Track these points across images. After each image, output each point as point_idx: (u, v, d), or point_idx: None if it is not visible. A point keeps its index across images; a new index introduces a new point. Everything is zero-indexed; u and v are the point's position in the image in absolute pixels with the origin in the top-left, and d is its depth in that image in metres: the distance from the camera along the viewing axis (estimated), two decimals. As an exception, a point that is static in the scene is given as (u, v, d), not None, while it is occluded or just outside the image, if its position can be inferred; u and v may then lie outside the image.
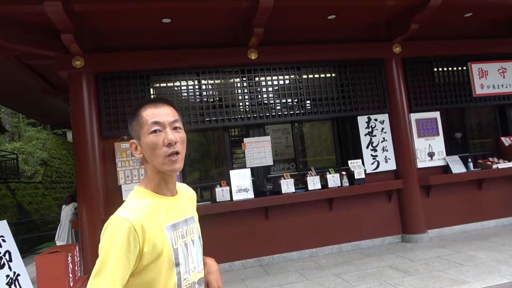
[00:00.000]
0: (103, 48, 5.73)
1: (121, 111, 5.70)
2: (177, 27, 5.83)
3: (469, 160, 6.97)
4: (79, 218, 5.41)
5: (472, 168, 6.90)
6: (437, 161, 6.84)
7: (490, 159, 7.22)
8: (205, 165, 7.59)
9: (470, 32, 7.26)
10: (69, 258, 3.61)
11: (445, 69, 7.17)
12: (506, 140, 7.31)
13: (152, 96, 5.91)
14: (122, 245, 1.13)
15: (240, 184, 5.87)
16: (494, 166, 6.87)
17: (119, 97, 5.73)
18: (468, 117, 7.53)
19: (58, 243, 6.00)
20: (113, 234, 1.14)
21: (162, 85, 5.99)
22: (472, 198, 7.00)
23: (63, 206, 6.27)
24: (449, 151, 7.07)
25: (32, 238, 11.01)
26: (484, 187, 7.02)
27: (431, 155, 6.81)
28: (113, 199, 5.57)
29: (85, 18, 5.23)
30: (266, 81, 6.31)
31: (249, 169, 6.07)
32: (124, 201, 3.22)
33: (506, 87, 7.25)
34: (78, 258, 4.01)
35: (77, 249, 3.98)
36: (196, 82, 6.08)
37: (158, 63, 5.84)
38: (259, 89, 6.26)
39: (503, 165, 6.92)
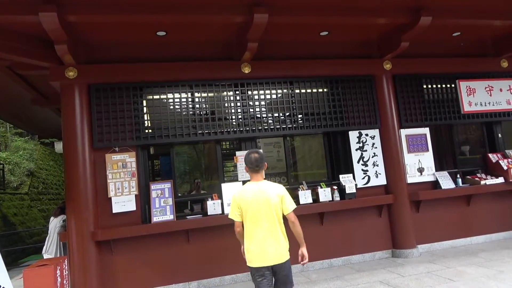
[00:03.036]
0: (96, 59, 5.73)
1: (113, 122, 5.68)
2: (172, 40, 5.87)
3: (458, 176, 7.07)
4: (68, 230, 5.32)
5: (460, 184, 7.00)
6: (427, 177, 6.92)
7: (478, 175, 7.33)
8: (196, 178, 7.56)
9: (458, 51, 7.45)
10: (57, 272, 3.54)
11: (434, 86, 7.32)
12: (493, 157, 7.44)
13: (144, 109, 5.92)
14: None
15: (230, 197, 5.83)
16: (482, 182, 6.98)
17: (111, 109, 5.71)
18: (456, 133, 7.66)
19: (45, 256, 5.87)
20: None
21: (155, 97, 5.99)
22: (461, 213, 7.08)
23: (51, 218, 6.15)
24: (438, 167, 7.17)
25: (17, 251, 10.75)
26: (472, 203, 7.11)
27: (420, 170, 6.89)
28: (102, 211, 5.50)
29: (79, 29, 5.23)
30: (258, 95, 6.37)
31: (241, 182, 6.06)
32: (113, 213, 5.10)
33: (493, 105, 7.42)
34: (67, 272, 3.94)
35: (65, 262, 3.90)
36: (189, 95, 6.10)
37: (151, 75, 5.85)
38: (251, 102, 6.31)
39: (490, 181, 7.04)
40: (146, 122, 5.93)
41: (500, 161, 7.25)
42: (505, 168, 7.10)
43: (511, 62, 7.63)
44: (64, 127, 5.51)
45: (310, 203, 6.11)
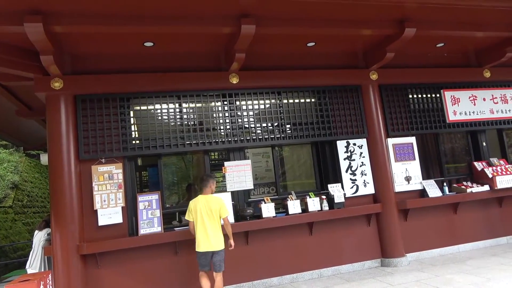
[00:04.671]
0: (83, 70, 5.68)
1: (100, 133, 5.61)
2: (160, 51, 5.86)
3: (444, 184, 7.15)
4: (52, 244, 5.20)
5: (447, 192, 7.07)
6: (414, 185, 6.98)
7: (464, 183, 7.43)
8: (184, 189, 7.50)
9: (443, 61, 7.61)
10: (41, 287, 3.44)
11: (419, 95, 7.43)
12: (478, 165, 7.56)
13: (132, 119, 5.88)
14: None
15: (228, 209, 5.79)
16: (468, 190, 7.07)
17: (98, 120, 5.65)
18: (442, 142, 7.77)
19: (29, 271, 5.71)
20: None
21: (142, 108, 5.95)
22: (448, 221, 7.14)
23: (36, 232, 6.00)
24: (425, 175, 7.25)
25: (0, 266, 10.46)
26: (459, 210, 7.18)
27: (408, 179, 6.95)
28: (88, 224, 5.41)
29: (65, 40, 5.20)
30: (246, 105, 6.38)
31: (230, 193, 6.03)
32: (99, 226, 4.91)
33: (477, 114, 7.56)
34: (51, 287, 3.83)
35: (49, 277, 3.80)
36: (177, 106, 6.07)
37: (139, 86, 5.82)
38: (239, 113, 6.31)
39: (476, 189, 7.13)
40: (133, 133, 5.88)
41: (485, 169, 7.36)
42: (490, 176, 7.21)
43: (493, 72, 7.81)
44: (49, 138, 5.43)
45: (299, 213, 6.09)
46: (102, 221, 5.41)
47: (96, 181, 5.46)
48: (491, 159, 7.70)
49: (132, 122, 5.89)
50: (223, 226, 5.04)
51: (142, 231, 5.46)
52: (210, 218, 4.85)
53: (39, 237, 5.91)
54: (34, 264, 5.79)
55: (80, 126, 5.53)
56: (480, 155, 7.81)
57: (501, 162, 7.70)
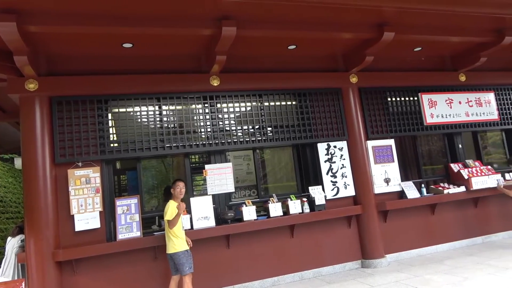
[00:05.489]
0: (59, 71, 5.53)
1: (77, 136, 5.47)
2: (139, 52, 5.77)
3: (422, 185, 7.28)
4: (26, 251, 5.02)
5: (425, 193, 7.19)
6: (393, 187, 7.08)
7: (441, 184, 7.59)
8: (156, 193, 7.39)
9: (420, 65, 7.77)
10: (13, 296, 3.31)
11: (398, 99, 7.56)
12: (455, 167, 7.73)
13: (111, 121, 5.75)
14: None
15: (201, 211, 5.74)
16: (445, 191, 7.21)
17: (74, 122, 5.50)
18: (419, 144, 7.92)
19: (2, 279, 5.49)
20: None
21: (121, 110, 5.84)
22: (426, 222, 7.27)
23: (9, 238, 5.78)
24: (403, 177, 7.37)
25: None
26: (437, 211, 7.32)
27: (387, 181, 7.04)
28: (64, 230, 5.25)
29: (40, 40, 5.05)
30: (227, 107, 6.34)
31: (210, 196, 5.97)
32: (76, 231, 4.83)
33: (453, 117, 7.74)
34: (24, 296, 3.70)
35: (23, 285, 3.66)
36: (156, 108, 5.98)
37: (117, 88, 5.71)
38: (220, 115, 6.27)
39: (453, 190, 7.28)
40: (111, 135, 5.75)
41: (462, 171, 7.53)
42: (466, 177, 7.38)
43: (468, 76, 8.02)
44: (23, 141, 5.25)
45: (281, 216, 6.08)
46: (79, 226, 5.27)
47: (73, 186, 5.31)
48: (466, 160, 7.89)
49: (110, 124, 5.76)
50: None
51: (121, 236, 5.34)
52: (165, 222, 4.97)
53: (12, 244, 5.70)
54: (6, 272, 5.58)
55: (56, 129, 5.38)
56: (456, 157, 7.99)
57: (476, 163, 7.90)
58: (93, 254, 5.12)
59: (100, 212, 5.39)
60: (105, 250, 5.18)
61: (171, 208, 4.92)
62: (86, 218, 5.31)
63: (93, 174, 5.43)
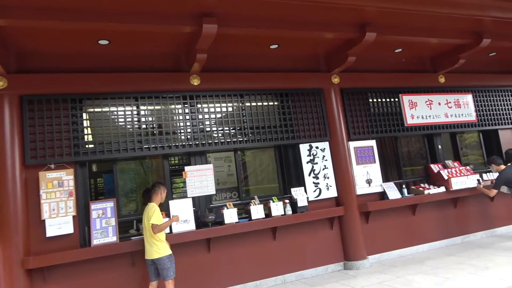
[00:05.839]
0: (30, 68, 5.25)
1: (49, 137, 5.20)
2: (116, 50, 5.55)
3: (403, 186, 7.29)
4: (-7, 258, 4.72)
5: (406, 194, 7.21)
6: (375, 188, 7.07)
7: (422, 185, 7.63)
8: (135, 197, 7.16)
9: (401, 67, 7.82)
10: (-25, 309, 3.06)
11: (379, 100, 7.57)
12: (435, 167, 7.79)
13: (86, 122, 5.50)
14: None
15: (180, 215, 5.54)
16: (426, 192, 7.25)
17: (47, 122, 5.23)
18: (400, 145, 7.95)
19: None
20: None
21: (96, 110, 5.59)
22: (407, 223, 7.29)
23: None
24: (384, 178, 7.36)
25: None
26: (417, 212, 7.35)
27: (369, 182, 7.02)
28: (35, 235, 4.97)
29: (10, 35, 4.77)
30: (208, 108, 6.18)
31: (190, 199, 5.79)
32: (47, 237, 4.66)
33: (433, 118, 7.80)
34: (-12, 308, 3.44)
35: (-13, 297, 3.41)
36: (134, 108, 5.77)
37: (92, 86, 5.47)
38: (201, 116, 6.10)
39: (433, 190, 7.33)
40: (86, 136, 5.50)
41: (441, 171, 7.60)
42: (446, 177, 7.44)
43: (447, 78, 8.12)
44: (-10, 142, 4.95)
45: (263, 218, 5.96)
46: (51, 232, 4.99)
47: (44, 189, 5.04)
48: (446, 161, 7.97)
49: (85, 125, 5.51)
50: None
51: (95, 241, 5.10)
52: (147, 225, 4.76)
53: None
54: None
55: (27, 129, 5.09)
56: (436, 158, 8.07)
57: (455, 164, 7.99)
58: (66, 261, 4.86)
59: (73, 216, 5.13)
60: (78, 256, 4.93)
61: (158, 213, 4.77)
62: (58, 223, 5.04)
63: (66, 177, 5.17)
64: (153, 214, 4.73)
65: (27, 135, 5.07)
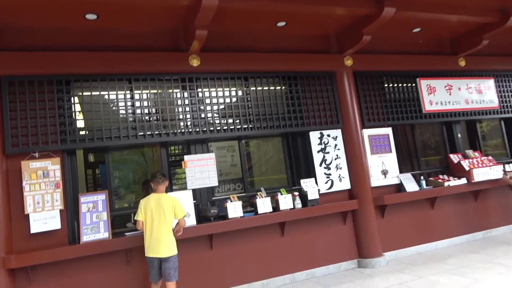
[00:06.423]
0: (10, 46, 4.71)
1: (32, 123, 4.67)
2: (106, 26, 5.00)
3: (422, 177, 6.74)
4: (-29, 257, 4.24)
5: (424, 186, 6.66)
6: (391, 179, 6.52)
7: (440, 176, 7.06)
8: (137, 188, 6.66)
9: (418, 48, 7.21)
10: None
11: (395, 84, 6.98)
12: (454, 157, 7.22)
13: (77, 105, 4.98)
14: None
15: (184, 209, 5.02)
16: (446, 184, 6.69)
17: (30, 106, 4.70)
18: (417, 133, 7.38)
19: None
20: None
21: (86, 93, 5.06)
22: (425, 217, 6.75)
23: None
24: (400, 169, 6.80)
25: None
26: (436, 205, 6.80)
27: (384, 173, 6.47)
28: (18, 232, 4.47)
29: (-15, 8, 4.24)
30: (209, 91, 5.63)
31: (191, 191, 5.27)
32: (31, 233, 4.36)
33: (453, 104, 7.22)
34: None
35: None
36: (127, 91, 5.23)
37: (81, 67, 4.93)
38: (201, 100, 5.56)
39: (454, 182, 6.77)
40: (74, 122, 4.97)
41: (462, 162, 7.03)
42: (467, 168, 6.88)
43: (468, 61, 7.51)
44: (-34, 128, 4.44)
45: (270, 212, 5.43)
46: (35, 227, 4.49)
47: (27, 180, 4.53)
48: (466, 151, 7.40)
49: (73, 109, 4.98)
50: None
51: (85, 238, 4.60)
52: (161, 219, 4.27)
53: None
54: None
55: (7, 114, 4.57)
56: (455, 147, 7.49)
57: (476, 154, 7.42)
58: (52, 260, 4.36)
59: (60, 210, 4.62)
60: (66, 254, 4.43)
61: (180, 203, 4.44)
62: (44, 218, 4.54)
63: (52, 166, 4.66)
64: (179, 206, 4.37)
65: (7, 121, 4.55)
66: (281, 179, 6.47)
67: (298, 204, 5.66)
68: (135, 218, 4.42)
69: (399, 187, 6.56)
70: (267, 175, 7.11)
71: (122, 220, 5.44)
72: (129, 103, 5.21)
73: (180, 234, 4.54)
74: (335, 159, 6.20)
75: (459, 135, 7.57)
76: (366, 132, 6.44)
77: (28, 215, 4.49)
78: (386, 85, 6.90)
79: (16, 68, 4.65)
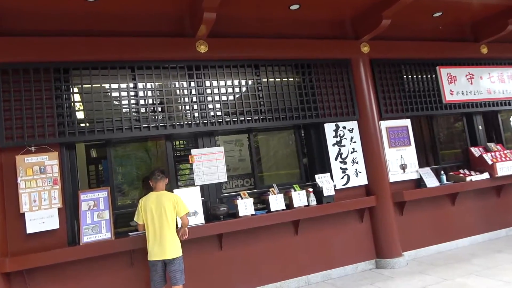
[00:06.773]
0: (3, 31, 4.34)
1: (28, 114, 4.32)
2: (106, 9, 4.64)
3: (442, 172, 6.35)
4: (-38, 260, 3.90)
5: (445, 181, 6.27)
6: (410, 174, 6.13)
7: (461, 171, 6.67)
8: (140, 184, 6.32)
9: (437, 35, 6.78)
10: None
11: (414, 73, 6.56)
12: (475, 151, 6.82)
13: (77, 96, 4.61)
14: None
15: (187, 206, 4.67)
16: (468, 179, 6.30)
17: (25, 96, 4.34)
18: (436, 125, 6.97)
19: None
20: None
21: (85, 82, 4.67)
22: (446, 214, 6.37)
23: None
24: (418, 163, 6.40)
25: None
26: (457, 202, 6.42)
27: (403, 167, 6.09)
28: (13, 232, 4.13)
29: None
30: (218, 80, 5.25)
31: (198, 187, 4.91)
32: (27, 234, 4.09)
33: (474, 94, 6.81)
34: None
35: None
36: (130, 79, 4.86)
37: (80, 53, 4.57)
38: (209, 89, 5.18)
39: (476, 177, 6.38)
40: (73, 114, 4.61)
41: (484, 155, 6.62)
42: (490, 162, 6.48)
43: (490, 48, 7.09)
44: (-44, 120, 4.10)
45: (283, 210, 5.07)
46: (32, 227, 4.15)
47: (23, 176, 4.19)
48: (488, 144, 6.99)
49: (71, 99, 4.62)
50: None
51: (86, 238, 4.26)
52: (162, 219, 4.00)
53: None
54: None
55: (0, 105, 4.22)
56: (476, 140, 7.08)
57: (498, 147, 7.01)
58: (50, 263, 4.02)
59: (59, 208, 4.28)
60: (65, 257, 4.09)
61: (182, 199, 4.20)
62: (41, 217, 4.20)
63: (50, 161, 4.31)
64: (180, 202, 4.13)
65: (1, 112, 4.20)
66: (292, 174, 6.10)
67: (313, 201, 5.30)
68: (134, 220, 4.19)
69: (418, 183, 6.18)
70: (277, 170, 6.75)
71: (125, 218, 5.11)
72: (132, 93, 4.84)
73: (186, 237, 4.24)
74: (351, 152, 5.81)
75: (480, 127, 7.16)
76: (384, 124, 6.05)
77: (23, 214, 4.15)
78: (404, 73, 6.48)
79: (10, 55, 4.29)
